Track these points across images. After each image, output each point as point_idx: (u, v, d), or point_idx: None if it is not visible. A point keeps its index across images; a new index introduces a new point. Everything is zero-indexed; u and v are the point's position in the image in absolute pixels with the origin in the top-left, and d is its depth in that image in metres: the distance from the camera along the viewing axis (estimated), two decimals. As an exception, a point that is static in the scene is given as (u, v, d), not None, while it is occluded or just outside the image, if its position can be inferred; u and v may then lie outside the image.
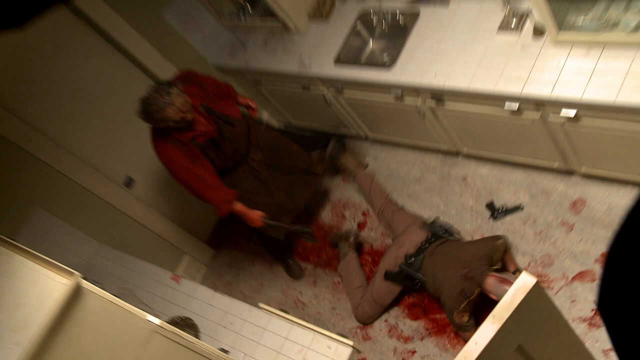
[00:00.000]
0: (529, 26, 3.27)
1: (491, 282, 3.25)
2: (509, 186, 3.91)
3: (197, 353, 2.20)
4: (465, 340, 3.46)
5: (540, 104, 3.14)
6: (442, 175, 4.23)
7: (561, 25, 3.01)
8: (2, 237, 2.22)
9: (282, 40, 4.45)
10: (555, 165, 3.59)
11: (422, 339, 3.76)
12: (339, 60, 4.04)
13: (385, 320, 3.93)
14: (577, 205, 3.59)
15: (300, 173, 4.10)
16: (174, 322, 3.31)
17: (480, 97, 3.36)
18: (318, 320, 4.18)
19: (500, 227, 3.81)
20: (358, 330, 4.00)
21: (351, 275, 4.11)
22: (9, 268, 2.11)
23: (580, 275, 3.38)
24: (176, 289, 3.56)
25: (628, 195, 3.42)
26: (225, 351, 2.90)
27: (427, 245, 3.63)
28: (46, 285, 2.03)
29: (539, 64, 3.15)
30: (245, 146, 3.81)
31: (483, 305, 3.40)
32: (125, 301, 2.15)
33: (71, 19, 4.13)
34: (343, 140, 4.72)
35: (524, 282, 1.59)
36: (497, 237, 3.50)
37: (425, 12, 3.79)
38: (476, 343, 1.56)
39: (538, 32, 3.20)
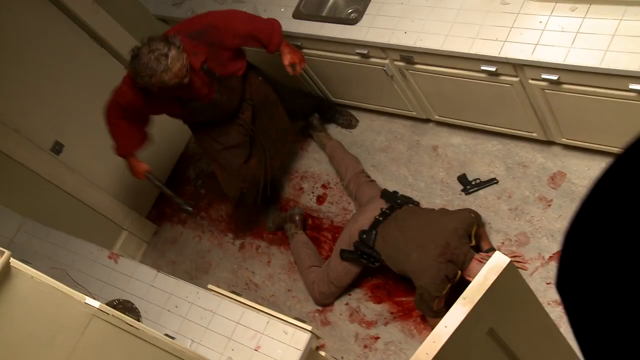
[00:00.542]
0: (509, -21, 3.33)
1: (476, 267, 3.23)
2: (483, 157, 4.01)
3: (141, 339, 2.23)
4: (433, 327, 3.54)
5: (519, 67, 3.23)
6: (410, 144, 4.31)
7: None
8: None
9: (233, -11, 4.43)
10: (534, 135, 3.70)
11: (386, 324, 3.86)
12: (299, 15, 4.05)
13: (346, 304, 4.02)
14: (556, 179, 3.71)
15: (273, 140, 4.19)
16: (111, 305, 3.33)
17: (454, 59, 3.43)
18: (273, 303, 4.25)
19: (473, 202, 3.91)
20: (316, 315, 4.08)
21: (301, 255, 4.18)
22: None
23: (557, 255, 3.50)
24: (114, 269, 3.56)
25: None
26: (171, 337, 2.94)
27: (381, 218, 3.66)
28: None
29: (519, 21, 3.22)
30: (237, 104, 3.90)
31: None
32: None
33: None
34: (331, 115, 4.67)
35: (497, 262, 1.66)
36: (470, 210, 3.58)
37: (396, -39, 3.82)
38: (445, 326, 1.64)
39: (519, -15, 3.26)
